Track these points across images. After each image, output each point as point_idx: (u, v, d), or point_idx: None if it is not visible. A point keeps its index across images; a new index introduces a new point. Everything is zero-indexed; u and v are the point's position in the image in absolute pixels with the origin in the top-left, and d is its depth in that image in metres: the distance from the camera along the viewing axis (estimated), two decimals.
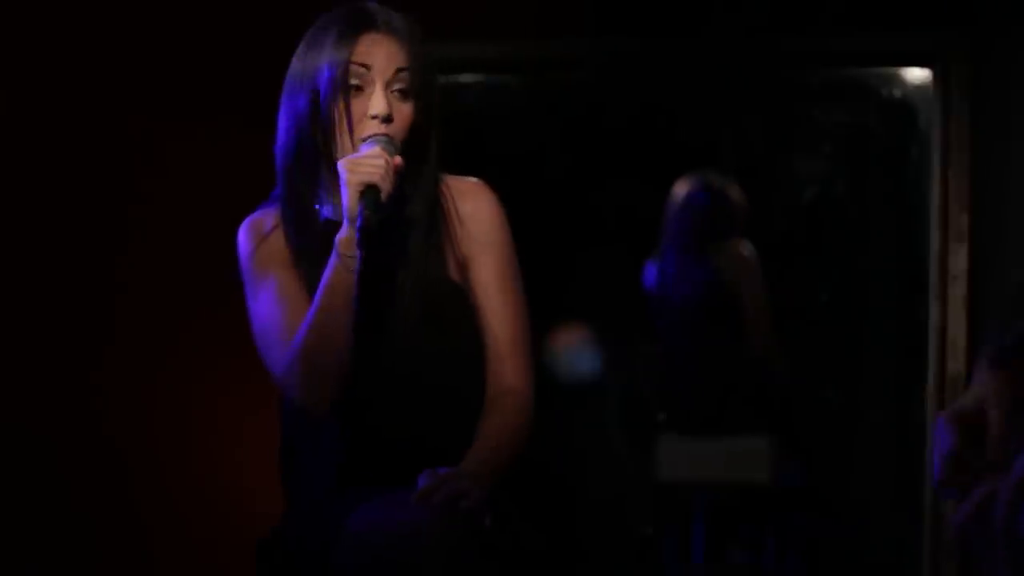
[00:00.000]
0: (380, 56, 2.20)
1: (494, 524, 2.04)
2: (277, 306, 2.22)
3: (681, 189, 4.81)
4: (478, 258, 2.28)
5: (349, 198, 2.12)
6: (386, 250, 2.19)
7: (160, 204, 3.93)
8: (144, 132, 3.92)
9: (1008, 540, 1.46)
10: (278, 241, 2.28)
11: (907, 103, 4.82)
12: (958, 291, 4.08)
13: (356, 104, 2.20)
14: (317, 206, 2.26)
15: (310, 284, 2.21)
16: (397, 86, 2.21)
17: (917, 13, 4.11)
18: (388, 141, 2.17)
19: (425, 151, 2.26)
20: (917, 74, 4.61)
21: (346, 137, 2.20)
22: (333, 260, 2.14)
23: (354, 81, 2.19)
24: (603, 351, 5.04)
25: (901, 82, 4.86)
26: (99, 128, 3.92)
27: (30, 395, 3.88)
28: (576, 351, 4.92)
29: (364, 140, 2.18)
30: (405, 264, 2.22)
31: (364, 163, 2.13)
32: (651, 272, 4.85)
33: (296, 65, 2.27)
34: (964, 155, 4.10)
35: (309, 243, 2.24)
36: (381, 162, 2.12)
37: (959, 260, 4.09)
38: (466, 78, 4.66)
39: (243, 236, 2.32)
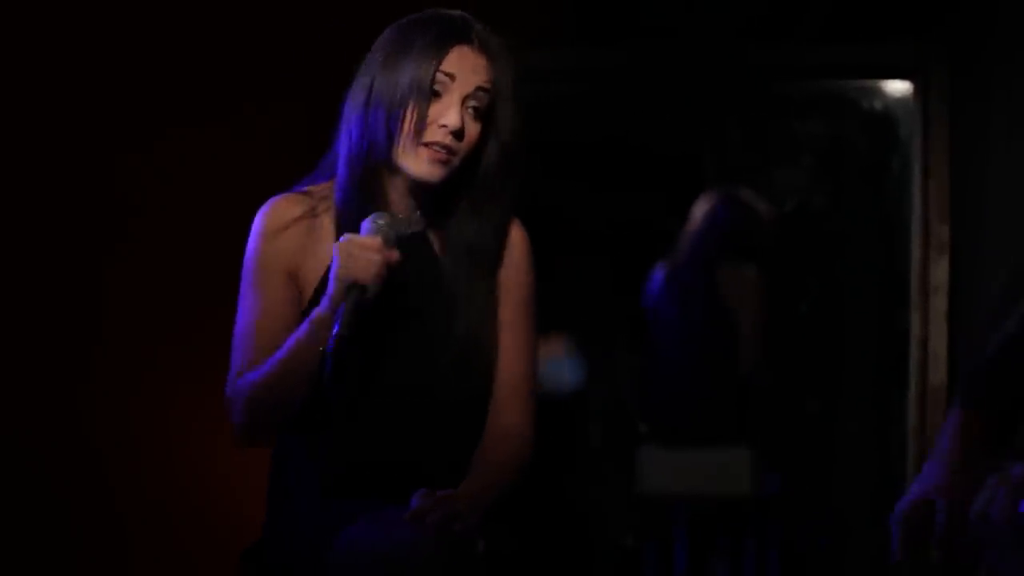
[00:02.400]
0: (466, 68, 2.14)
1: (487, 548, 2.04)
2: (259, 319, 2.17)
3: (705, 204, 4.72)
4: (502, 296, 2.25)
5: (335, 290, 2.05)
6: (439, 283, 2.17)
7: (150, 203, 3.91)
8: (133, 134, 3.91)
9: (1013, 528, 1.53)
10: (294, 238, 2.20)
11: (887, 115, 4.84)
12: (939, 303, 4.09)
13: (431, 110, 2.12)
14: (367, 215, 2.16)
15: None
16: (472, 103, 2.14)
17: (897, 25, 4.12)
18: (389, 224, 2.10)
19: (497, 191, 2.21)
20: (897, 86, 4.62)
21: (411, 140, 2.12)
22: (306, 326, 2.08)
23: (436, 87, 2.12)
24: (584, 362, 5.03)
25: (881, 94, 4.87)
26: (90, 128, 3.90)
27: (13, 398, 3.86)
28: (558, 362, 4.91)
29: (372, 215, 2.10)
30: (454, 305, 2.18)
31: (359, 256, 2.05)
32: (656, 281, 4.77)
33: (375, 66, 2.16)
34: (944, 167, 4.11)
35: None
36: (378, 259, 2.05)
37: (940, 272, 4.10)
38: None
39: (260, 223, 2.21)
